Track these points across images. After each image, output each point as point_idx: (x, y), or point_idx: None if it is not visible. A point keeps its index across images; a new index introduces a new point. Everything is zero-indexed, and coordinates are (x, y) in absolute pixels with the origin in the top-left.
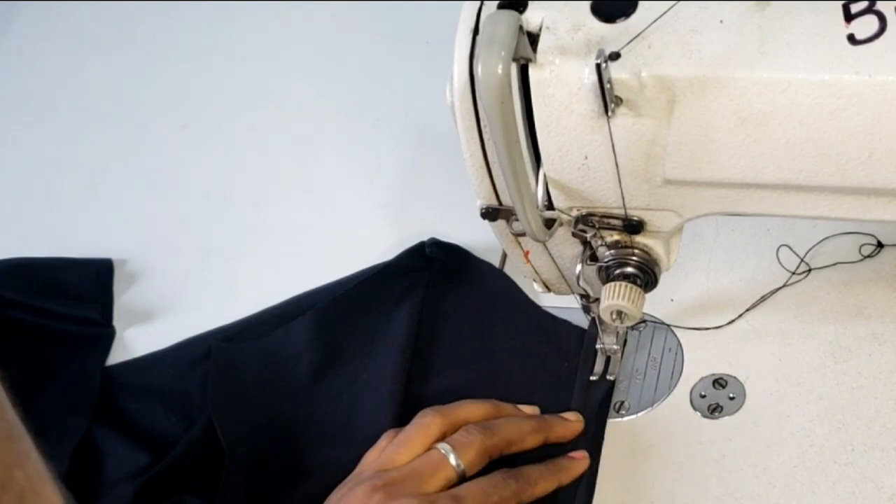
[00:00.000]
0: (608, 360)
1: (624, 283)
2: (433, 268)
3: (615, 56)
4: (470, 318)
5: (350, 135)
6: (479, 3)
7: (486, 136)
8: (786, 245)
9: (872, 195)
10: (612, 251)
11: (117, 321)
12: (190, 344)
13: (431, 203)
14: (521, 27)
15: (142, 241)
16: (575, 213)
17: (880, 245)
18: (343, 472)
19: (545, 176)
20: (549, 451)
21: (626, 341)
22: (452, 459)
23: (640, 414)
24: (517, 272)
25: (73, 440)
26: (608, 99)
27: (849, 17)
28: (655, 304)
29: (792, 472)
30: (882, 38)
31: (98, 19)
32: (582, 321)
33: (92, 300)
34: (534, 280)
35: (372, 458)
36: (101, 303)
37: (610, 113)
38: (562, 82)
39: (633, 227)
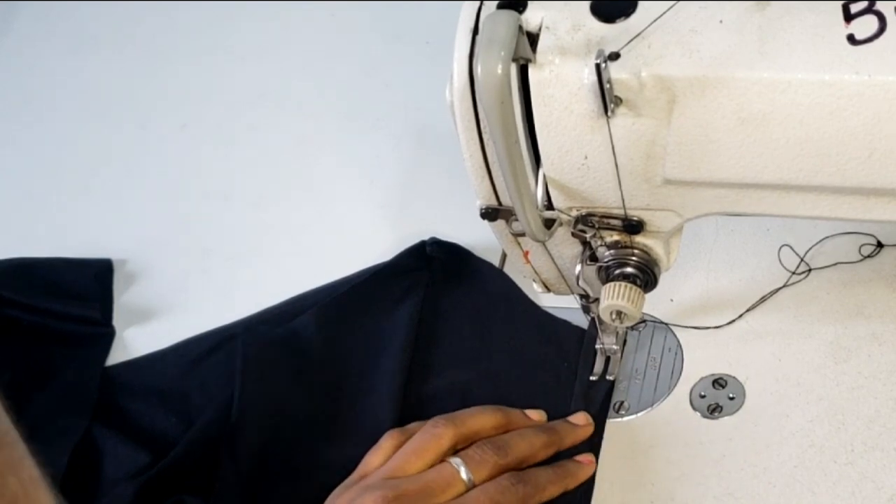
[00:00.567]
0: (608, 360)
1: (624, 284)
2: (433, 267)
3: (615, 56)
4: (470, 318)
5: (350, 135)
6: (478, 3)
7: (485, 136)
8: (787, 245)
9: (872, 195)
10: (612, 251)
11: (117, 321)
12: (190, 344)
13: (431, 203)
14: (520, 27)
15: (142, 241)
16: (575, 213)
17: (880, 245)
18: (341, 471)
19: (545, 176)
20: (557, 452)
21: (625, 341)
22: (464, 475)
23: (640, 414)
24: (517, 272)
25: (73, 440)
26: (608, 99)
27: (849, 17)
28: (655, 304)
29: (792, 472)
30: (882, 38)
31: (98, 19)
32: (582, 321)
33: (91, 300)
34: (534, 280)
35: (376, 462)
36: (100, 303)
37: (610, 113)
38: (561, 82)
39: (633, 227)
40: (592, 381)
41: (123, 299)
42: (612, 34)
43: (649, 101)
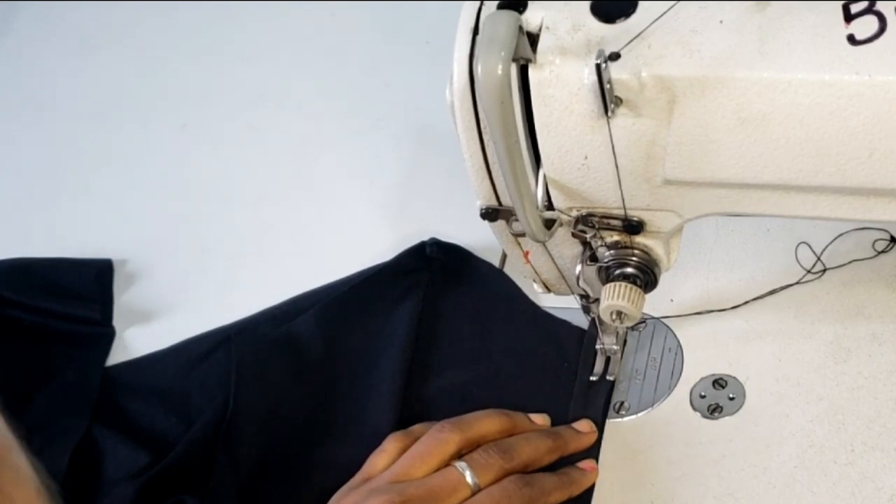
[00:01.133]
0: (608, 360)
1: (624, 284)
2: (433, 268)
3: (615, 56)
4: (470, 319)
5: (350, 135)
6: (479, 3)
7: (486, 137)
8: (805, 243)
9: (872, 195)
10: (612, 251)
11: (117, 321)
12: (190, 344)
13: (431, 203)
14: (520, 27)
15: (142, 241)
16: (575, 213)
17: (893, 240)
18: (342, 471)
19: (545, 176)
20: (559, 458)
21: (625, 341)
22: (469, 479)
23: (640, 414)
24: (517, 272)
25: (73, 440)
26: (608, 99)
27: (849, 17)
28: (655, 304)
29: (792, 473)
30: (882, 38)
31: (98, 19)
32: (582, 321)
33: (92, 300)
34: (534, 280)
35: (380, 465)
36: (100, 303)
37: (610, 113)
38: (562, 82)
39: (633, 227)
40: (592, 382)
41: (123, 299)
42: (613, 34)
43: (649, 101)
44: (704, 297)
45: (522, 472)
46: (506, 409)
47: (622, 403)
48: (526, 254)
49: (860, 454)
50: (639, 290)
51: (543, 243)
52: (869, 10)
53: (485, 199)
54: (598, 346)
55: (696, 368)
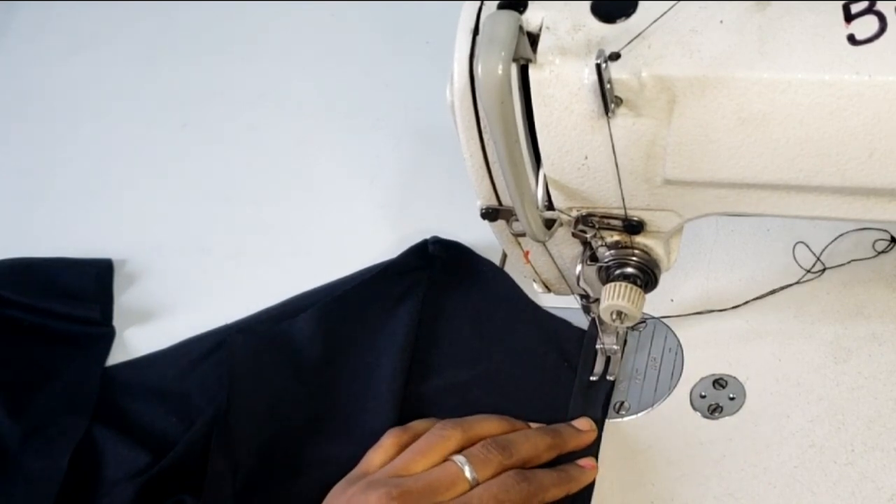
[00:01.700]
0: (608, 360)
1: (624, 284)
2: (435, 266)
3: (615, 56)
4: (470, 318)
5: (350, 135)
6: (479, 3)
7: (486, 136)
8: (802, 242)
9: (872, 195)
10: (612, 251)
11: (117, 321)
12: (189, 344)
13: (431, 203)
14: (521, 27)
15: (142, 241)
16: (575, 213)
17: (893, 240)
18: (340, 468)
19: (545, 176)
20: (559, 456)
21: (626, 341)
22: (468, 473)
23: (640, 414)
24: (517, 272)
25: (73, 439)
26: (608, 99)
27: (849, 17)
28: (655, 304)
29: (792, 473)
30: (882, 38)
31: (98, 19)
32: (582, 321)
33: (92, 300)
34: (534, 280)
35: (378, 460)
36: (100, 303)
37: (610, 113)
38: (562, 82)
39: (633, 227)
40: (592, 382)
41: (123, 299)
42: (613, 34)
43: (649, 101)
44: (704, 297)
45: (521, 468)
46: (505, 408)
47: (622, 403)
48: (526, 254)
49: (860, 454)
50: (639, 290)
51: (543, 243)
52: (869, 10)
53: (485, 198)
54: (598, 346)
55: (696, 368)
